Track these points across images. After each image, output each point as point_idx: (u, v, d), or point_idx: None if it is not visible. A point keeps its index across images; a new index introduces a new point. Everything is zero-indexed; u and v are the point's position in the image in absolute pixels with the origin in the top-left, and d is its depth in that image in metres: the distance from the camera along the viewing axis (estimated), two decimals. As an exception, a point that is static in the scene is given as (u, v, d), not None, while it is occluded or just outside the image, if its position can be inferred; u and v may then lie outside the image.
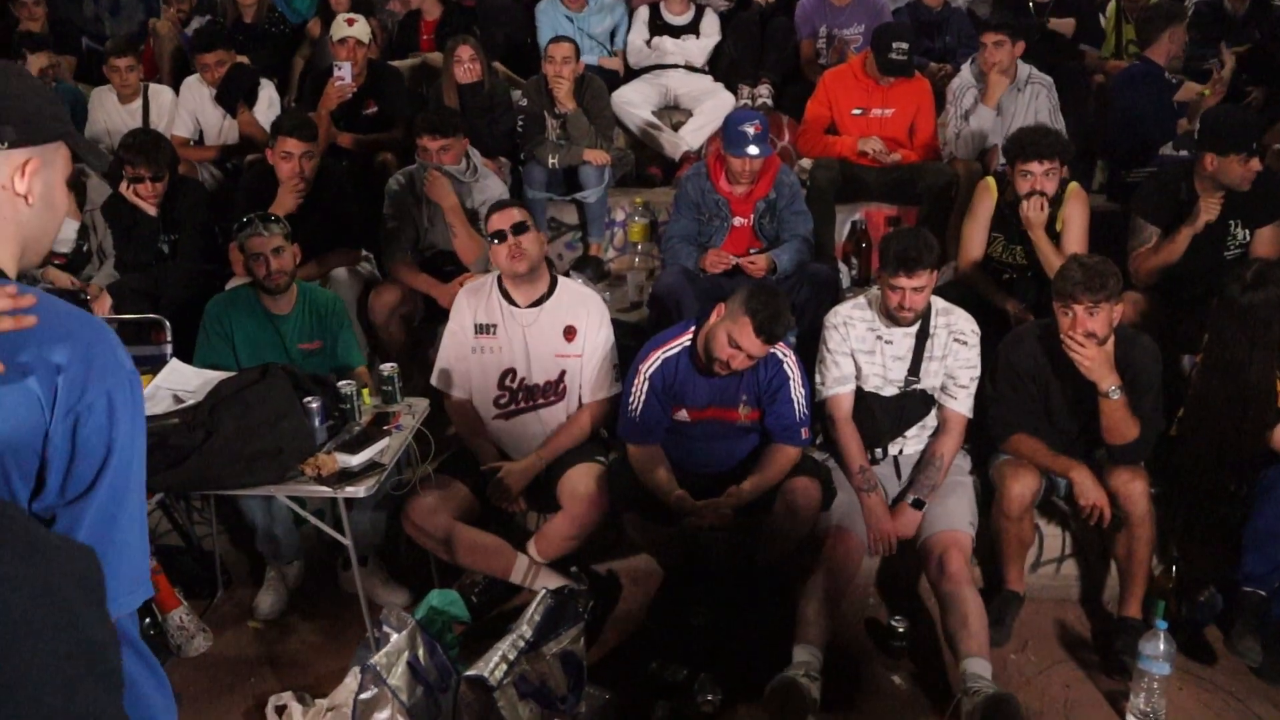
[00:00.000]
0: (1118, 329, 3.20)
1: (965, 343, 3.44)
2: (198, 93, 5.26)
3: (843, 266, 4.82)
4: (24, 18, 6.14)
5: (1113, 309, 3.13)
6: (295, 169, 4.18)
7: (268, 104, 5.23)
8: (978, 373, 3.46)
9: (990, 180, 4.16)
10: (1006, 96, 4.80)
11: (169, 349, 3.94)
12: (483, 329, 3.57)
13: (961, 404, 3.45)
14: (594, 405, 3.61)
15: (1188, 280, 3.90)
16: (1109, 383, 3.13)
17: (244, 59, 5.41)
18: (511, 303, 3.55)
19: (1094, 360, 3.11)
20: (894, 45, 4.66)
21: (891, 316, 3.41)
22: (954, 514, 3.32)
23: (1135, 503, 3.18)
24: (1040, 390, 3.36)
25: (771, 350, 3.27)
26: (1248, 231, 3.93)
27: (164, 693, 1.29)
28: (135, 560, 1.19)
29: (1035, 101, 4.83)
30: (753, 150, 4.06)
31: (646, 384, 3.40)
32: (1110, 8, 5.74)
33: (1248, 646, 3.16)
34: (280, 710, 3.06)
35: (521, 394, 3.59)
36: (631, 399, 3.42)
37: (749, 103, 5.50)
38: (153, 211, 4.28)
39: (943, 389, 3.47)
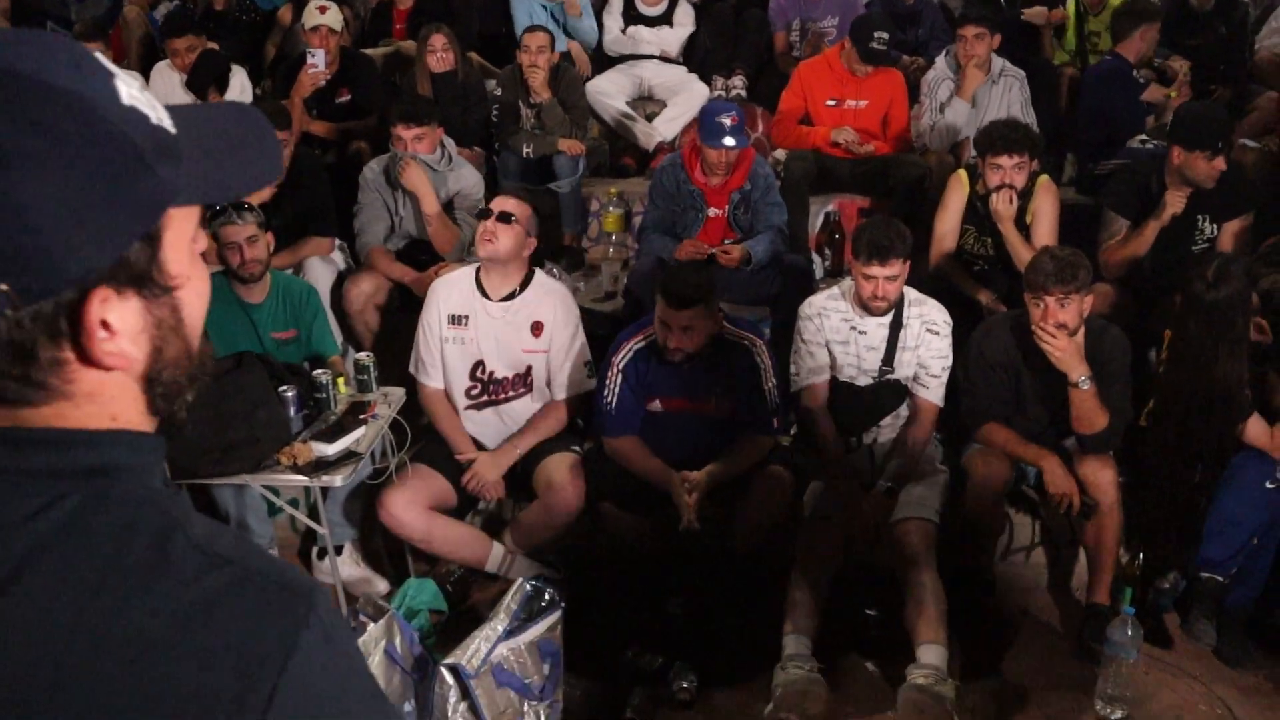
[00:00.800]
0: (1088, 320, 3.25)
1: (938, 333, 3.48)
2: (168, 79, 5.21)
3: (816, 258, 4.85)
4: (-13, 0, 6.05)
5: (1083, 300, 3.18)
6: None
7: (240, 91, 5.18)
8: (949, 362, 3.50)
9: (962, 173, 4.20)
10: (980, 89, 4.85)
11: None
12: (455, 319, 3.57)
13: (933, 393, 3.49)
14: (565, 402, 3.62)
15: (1155, 273, 3.97)
16: (1079, 373, 3.17)
17: (214, 45, 5.36)
18: (484, 294, 3.55)
19: (1065, 351, 3.15)
20: (875, 35, 4.70)
21: (865, 306, 3.44)
22: (920, 501, 3.35)
23: (1104, 492, 3.23)
24: (1011, 380, 3.40)
25: (685, 316, 3.23)
26: (1215, 226, 4.00)
27: None
28: None
29: (1008, 95, 4.88)
30: (729, 141, 4.07)
31: (620, 376, 3.41)
32: (1070, 4, 5.78)
33: (1202, 630, 3.25)
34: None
35: (491, 386, 3.59)
36: (606, 392, 3.44)
37: (723, 94, 5.52)
38: None
39: (915, 378, 3.51)
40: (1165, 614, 3.41)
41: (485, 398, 3.60)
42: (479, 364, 3.57)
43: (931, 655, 2.98)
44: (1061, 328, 3.15)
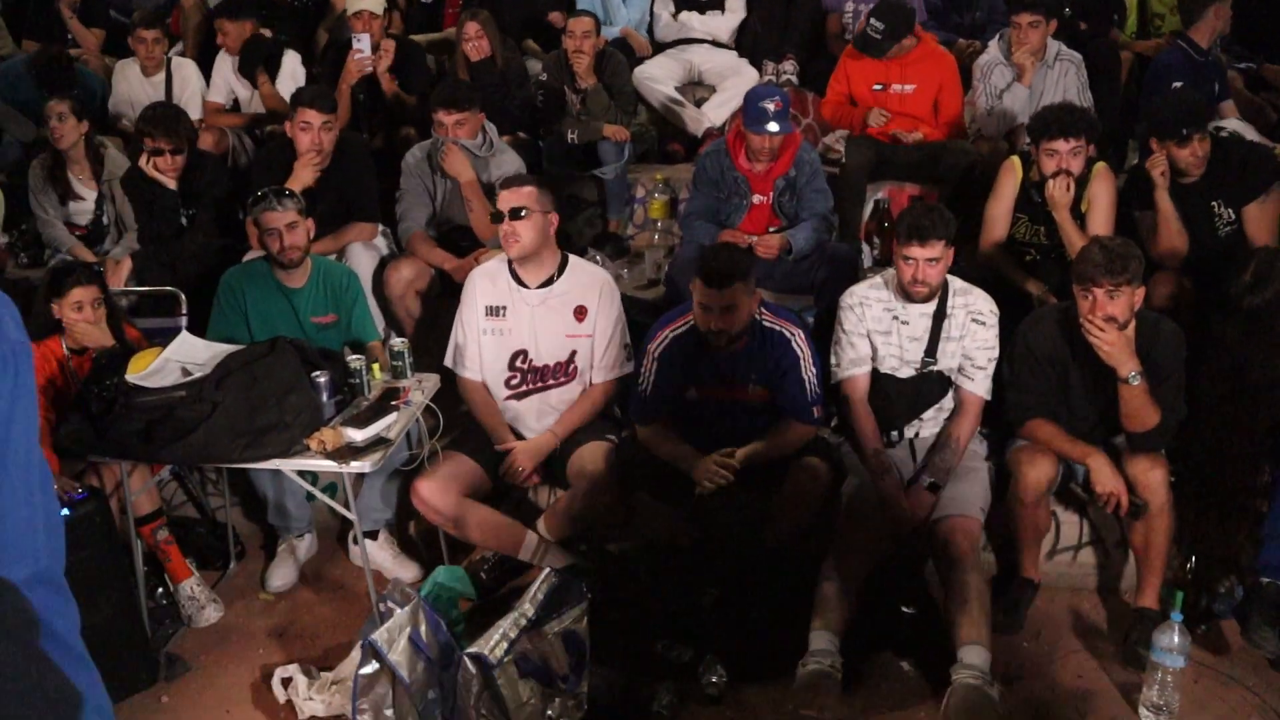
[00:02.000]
0: (1140, 313, 3.12)
1: (983, 323, 3.38)
2: (228, 63, 5.30)
3: (865, 247, 4.75)
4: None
5: (1134, 293, 3.05)
6: (314, 140, 4.16)
7: (290, 76, 5.24)
8: (995, 354, 3.39)
9: (1015, 160, 4.06)
10: (1035, 73, 4.69)
11: (184, 322, 3.97)
12: (493, 311, 3.55)
13: (978, 385, 3.39)
14: (607, 383, 3.59)
15: (1192, 262, 3.85)
16: (1129, 368, 3.05)
17: (267, 32, 5.41)
18: (520, 284, 3.53)
19: (1114, 345, 3.03)
20: (871, 23, 4.62)
21: (906, 292, 3.36)
22: (964, 499, 3.26)
23: (1154, 492, 3.11)
24: (1058, 375, 3.28)
25: (726, 295, 3.18)
26: (1231, 211, 3.87)
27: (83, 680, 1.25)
28: (12, 531, 1.15)
29: (1064, 79, 4.72)
30: (772, 127, 3.99)
31: (656, 364, 3.38)
32: None
33: (1264, 637, 3.10)
34: (286, 683, 3.07)
35: (531, 375, 3.57)
36: (641, 379, 3.41)
37: (773, 79, 5.42)
38: (172, 185, 4.28)
39: (959, 370, 3.42)
40: (1223, 621, 3.27)
41: (525, 386, 3.58)
42: (519, 353, 3.55)
43: (975, 656, 2.89)
44: (1111, 321, 3.03)
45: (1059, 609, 3.43)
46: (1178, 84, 4.73)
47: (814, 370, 3.35)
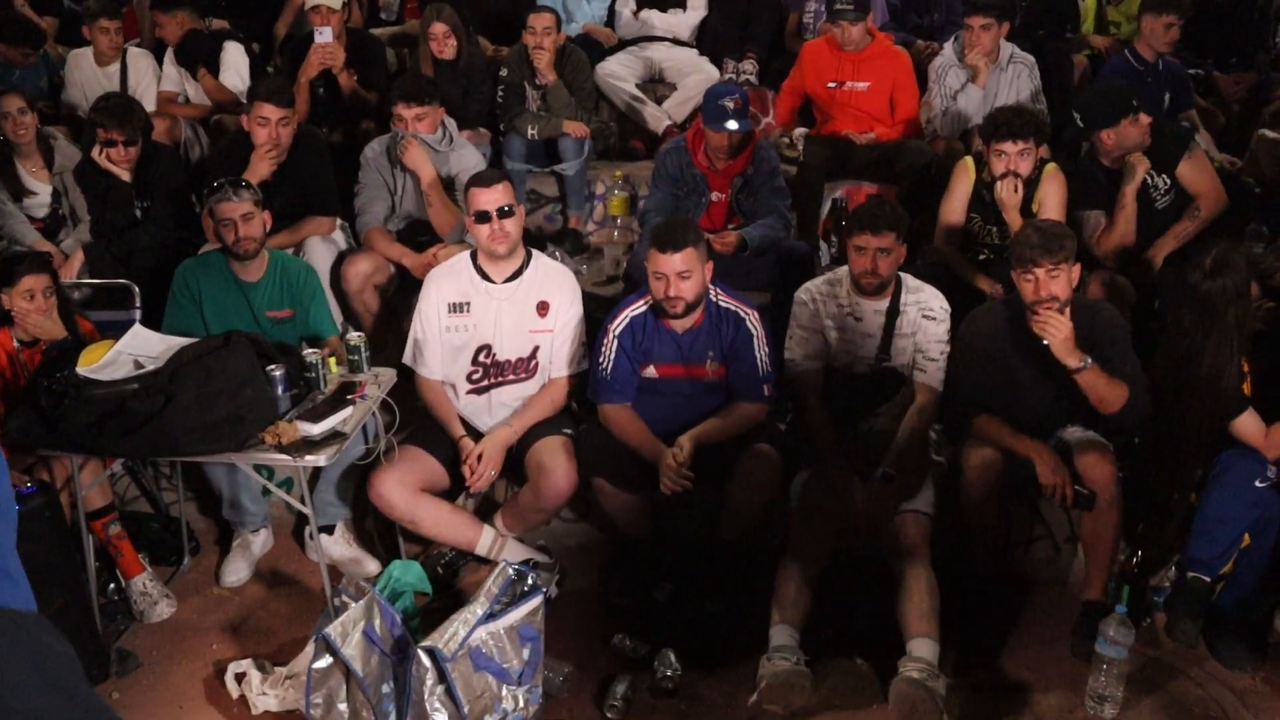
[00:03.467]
0: (1075, 298, 3.20)
1: (934, 319, 3.44)
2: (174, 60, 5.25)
3: (822, 244, 4.80)
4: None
5: (1071, 270, 3.14)
6: (271, 135, 4.13)
7: (234, 68, 5.20)
8: (948, 347, 3.45)
9: (968, 160, 4.13)
10: (989, 75, 4.76)
11: (138, 315, 3.93)
12: (456, 308, 3.54)
13: (931, 376, 3.44)
14: (567, 378, 3.60)
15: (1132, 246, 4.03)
16: (1076, 360, 3.11)
17: (219, 23, 5.38)
18: (486, 278, 3.53)
19: (1067, 335, 3.08)
20: None
21: (859, 285, 3.40)
22: (915, 495, 3.30)
23: (1102, 487, 3.16)
24: (1002, 369, 3.33)
25: (681, 260, 3.25)
26: (1165, 178, 4.01)
27: None
28: None
29: (1017, 81, 4.79)
30: (731, 125, 4.02)
31: (615, 342, 3.41)
32: None
33: (1184, 630, 3.19)
34: (239, 678, 3.06)
35: (493, 369, 3.57)
36: (602, 358, 3.43)
37: (733, 77, 5.45)
38: (126, 176, 4.23)
39: (913, 364, 3.47)
40: (1156, 613, 3.34)
41: (487, 381, 3.58)
42: (483, 348, 3.55)
43: (924, 649, 2.94)
44: (1054, 300, 3.10)
45: (1008, 602, 3.48)
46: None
47: (767, 350, 3.42)
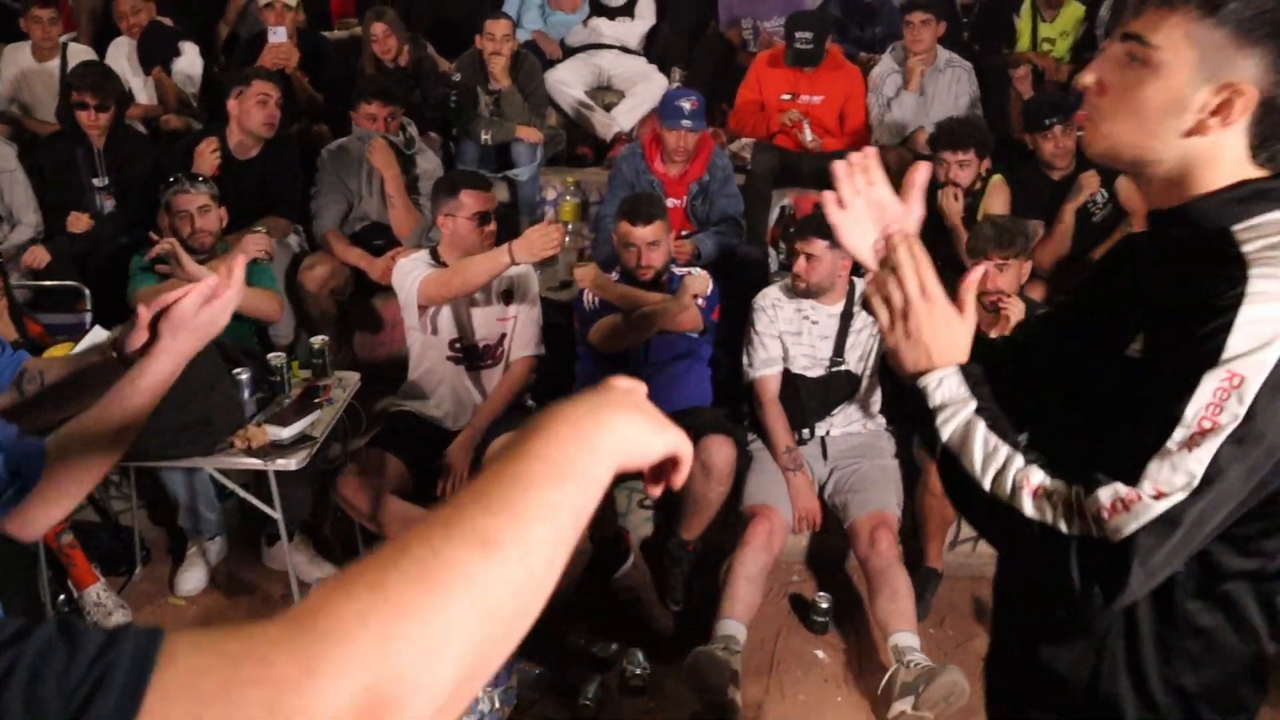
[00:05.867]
0: (1020, 294, 3.35)
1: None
2: (124, 49, 5.16)
3: (771, 251, 4.89)
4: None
5: (1021, 267, 3.30)
6: (271, 114, 4.17)
7: (190, 66, 5.12)
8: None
9: (919, 169, 4.26)
10: (928, 79, 4.91)
11: (89, 317, 3.85)
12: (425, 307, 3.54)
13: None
14: (521, 362, 3.62)
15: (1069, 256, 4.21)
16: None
17: (166, 20, 5.28)
18: None
19: (1019, 318, 3.20)
20: (797, 35, 4.76)
21: (797, 288, 3.50)
22: (883, 495, 3.41)
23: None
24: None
25: (650, 231, 3.51)
26: (1104, 191, 4.15)
27: None
28: None
29: (956, 85, 4.94)
30: (688, 123, 4.11)
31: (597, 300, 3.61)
32: (1025, 6, 5.82)
33: None
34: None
35: (464, 356, 3.58)
36: (588, 303, 3.62)
37: (680, 85, 5.53)
38: (98, 144, 4.18)
39: (868, 364, 3.58)
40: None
41: (464, 366, 3.59)
42: (454, 341, 3.56)
43: (909, 641, 3.04)
44: (1000, 293, 3.25)
45: (961, 597, 3.60)
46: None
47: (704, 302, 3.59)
